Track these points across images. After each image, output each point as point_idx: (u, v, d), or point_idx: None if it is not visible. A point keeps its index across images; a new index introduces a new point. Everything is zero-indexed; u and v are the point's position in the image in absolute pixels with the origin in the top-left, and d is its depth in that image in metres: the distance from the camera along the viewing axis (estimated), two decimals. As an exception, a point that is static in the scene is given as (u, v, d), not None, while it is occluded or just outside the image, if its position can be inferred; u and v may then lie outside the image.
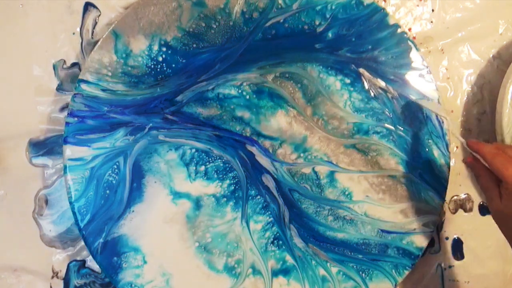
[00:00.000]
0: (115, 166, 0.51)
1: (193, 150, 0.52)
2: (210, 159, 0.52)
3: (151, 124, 0.51)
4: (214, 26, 0.52)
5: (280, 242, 0.52)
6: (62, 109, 0.54)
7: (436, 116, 0.52)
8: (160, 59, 0.51)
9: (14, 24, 0.54)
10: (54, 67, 0.54)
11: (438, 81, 0.56)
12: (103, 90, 0.50)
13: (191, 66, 0.52)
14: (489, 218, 0.56)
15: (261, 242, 0.52)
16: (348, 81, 0.52)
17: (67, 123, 0.50)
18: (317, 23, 0.52)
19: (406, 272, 0.52)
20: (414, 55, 0.52)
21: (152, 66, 0.51)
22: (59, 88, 0.54)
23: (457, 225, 0.56)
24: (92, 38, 0.54)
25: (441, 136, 0.52)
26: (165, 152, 0.52)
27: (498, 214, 0.40)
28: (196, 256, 0.51)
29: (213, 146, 0.52)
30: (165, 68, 0.51)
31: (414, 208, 0.52)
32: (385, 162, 0.53)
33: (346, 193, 0.53)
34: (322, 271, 0.51)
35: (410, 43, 0.52)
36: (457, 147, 0.57)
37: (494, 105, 0.53)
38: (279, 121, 0.53)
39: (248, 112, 0.53)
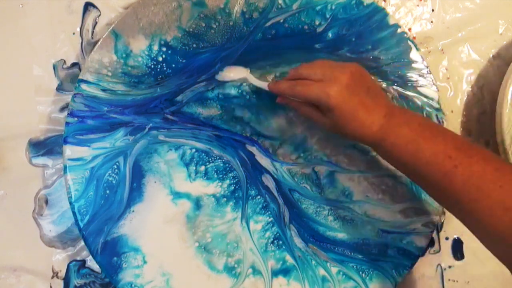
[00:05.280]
0: (115, 166, 0.51)
1: (193, 150, 0.52)
2: (210, 159, 0.52)
3: (151, 124, 0.51)
4: (214, 26, 0.52)
5: (280, 242, 0.52)
6: (62, 109, 0.54)
7: (436, 116, 0.52)
8: (160, 59, 0.51)
9: (14, 24, 0.54)
10: (54, 67, 0.54)
11: (438, 81, 0.56)
12: (103, 90, 0.50)
13: (191, 66, 0.52)
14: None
15: (261, 242, 0.52)
16: (348, 81, 0.52)
17: (67, 123, 0.50)
18: (317, 23, 0.52)
19: (406, 272, 0.52)
20: (414, 55, 0.52)
21: (152, 66, 0.51)
22: (59, 88, 0.54)
23: (457, 225, 0.56)
24: (92, 38, 0.54)
25: (441, 136, 0.52)
26: (165, 152, 0.52)
27: (331, 129, 0.44)
28: (196, 256, 0.51)
29: (213, 146, 0.52)
30: (165, 68, 0.51)
31: (414, 208, 0.52)
32: (385, 162, 0.52)
33: (346, 193, 0.53)
34: (322, 271, 0.51)
35: (410, 43, 0.52)
36: (457, 147, 0.57)
37: (494, 105, 0.53)
38: (279, 121, 0.53)
39: (248, 112, 0.53)
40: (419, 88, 0.52)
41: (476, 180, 0.37)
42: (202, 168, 0.52)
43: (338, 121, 0.43)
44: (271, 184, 0.52)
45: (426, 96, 0.52)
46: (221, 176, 0.52)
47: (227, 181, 0.52)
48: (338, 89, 0.41)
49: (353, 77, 0.42)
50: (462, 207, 0.39)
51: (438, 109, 0.52)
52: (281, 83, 0.46)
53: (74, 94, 0.50)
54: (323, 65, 0.44)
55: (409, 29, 0.56)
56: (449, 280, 0.56)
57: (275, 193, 0.52)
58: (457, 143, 0.40)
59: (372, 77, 0.44)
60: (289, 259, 0.52)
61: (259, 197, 0.52)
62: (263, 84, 0.49)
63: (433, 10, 0.57)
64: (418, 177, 0.42)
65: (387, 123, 0.42)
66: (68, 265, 0.54)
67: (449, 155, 0.39)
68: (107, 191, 0.50)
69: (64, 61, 0.54)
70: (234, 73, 0.51)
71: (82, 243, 0.53)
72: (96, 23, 0.54)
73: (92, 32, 0.54)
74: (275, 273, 0.51)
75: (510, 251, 0.37)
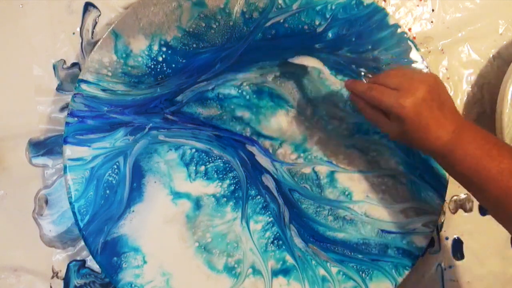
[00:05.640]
0: (115, 166, 0.50)
1: (193, 150, 0.52)
2: (210, 159, 0.52)
3: (151, 124, 0.51)
4: (214, 26, 0.52)
5: (280, 242, 0.52)
6: (62, 109, 0.54)
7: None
8: (160, 59, 0.51)
9: (14, 24, 0.54)
10: (54, 67, 0.54)
11: (438, 81, 0.56)
12: (103, 90, 0.50)
13: (191, 66, 0.52)
14: (489, 218, 0.56)
15: (261, 242, 0.52)
16: (348, 81, 0.52)
17: (67, 123, 0.50)
18: (317, 23, 0.52)
19: (406, 272, 0.51)
20: (414, 55, 0.52)
21: (152, 66, 0.51)
22: (59, 88, 0.54)
23: (457, 225, 0.56)
24: (92, 38, 0.54)
25: (441, 136, 0.52)
26: (165, 152, 0.52)
27: (396, 137, 0.44)
28: (196, 256, 0.51)
29: (213, 146, 0.52)
30: (165, 68, 0.51)
31: (414, 208, 0.52)
32: (385, 162, 0.52)
33: (346, 193, 0.53)
34: (322, 271, 0.51)
35: (410, 43, 0.52)
36: (457, 147, 0.57)
37: (494, 105, 0.53)
38: (279, 121, 0.53)
39: (248, 112, 0.53)
40: (419, 88, 0.52)
41: None
42: (202, 168, 0.52)
43: (406, 131, 0.43)
44: (271, 184, 0.52)
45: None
46: (221, 176, 0.52)
47: (227, 181, 0.52)
48: (412, 101, 0.41)
49: (430, 91, 0.42)
50: None
51: (438, 109, 0.52)
52: (359, 83, 0.46)
53: (74, 94, 0.50)
54: (401, 74, 0.44)
55: (409, 29, 0.56)
56: (449, 280, 0.56)
57: (275, 193, 0.52)
58: None
59: (446, 89, 0.44)
60: (289, 259, 0.52)
61: (259, 197, 0.52)
62: (334, 80, 0.49)
63: (433, 10, 0.57)
64: (479, 192, 0.43)
65: (455, 138, 0.42)
66: (68, 265, 0.54)
67: None
68: (107, 191, 0.50)
69: (64, 61, 0.54)
70: (308, 61, 0.51)
71: (82, 243, 0.53)
72: (96, 23, 0.54)
73: (92, 32, 0.54)
74: (275, 273, 0.51)
75: None
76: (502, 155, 0.41)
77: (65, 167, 0.49)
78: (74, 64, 0.54)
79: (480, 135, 0.42)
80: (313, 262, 0.52)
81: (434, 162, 0.52)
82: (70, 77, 0.54)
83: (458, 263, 0.56)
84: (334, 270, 0.51)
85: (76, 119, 0.50)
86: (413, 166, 0.52)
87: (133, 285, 0.50)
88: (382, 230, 0.52)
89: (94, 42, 0.54)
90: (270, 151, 0.53)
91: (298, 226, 0.52)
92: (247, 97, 0.53)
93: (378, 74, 0.46)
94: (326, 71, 0.50)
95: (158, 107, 0.52)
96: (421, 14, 0.57)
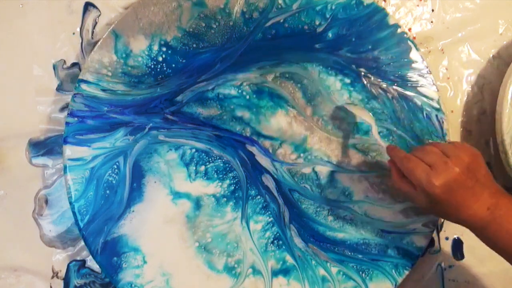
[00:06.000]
0: (115, 166, 0.51)
1: (193, 150, 0.52)
2: (210, 159, 0.52)
3: (151, 124, 0.51)
4: (214, 26, 0.52)
5: (280, 242, 0.52)
6: (62, 109, 0.54)
7: (436, 116, 0.52)
8: (160, 59, 0.51)
9: (14, 24, 0.54)
10: (54, 67, 0.54)
11: (438, 81, 0.56)
12: (103, 90, 0.50)
13: (191, 66, 0.52)
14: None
15: (261, 242, 0.52)
16: (348, 81, 0.52)
17: (67, 123, 0.50)
18: (317, 23, 0.52)
19: (406, 272, 0.52)
20: (414, 55, 0.52)
21: (152, 66, 0.51)
22: (59, 88, 0.54)
23: (457, 225, 0.56)
24: (92, 38, 0.54)
25: (441, 136, 0.52)
26: (165, 152, 0.52)
27: (426, 209, 0.44)
28: (196, 256, 0.51)
29: (213, 146, 0.52)
30: (165, 68, 0.51)
31: (414, 208, 0.52)
32: (385, 162, 0.52)
33: (346, 193, 0.53)
34: (322, 271, 0.51)
35: (410, 43, 0.52)
36: (457, 147, 0.57)
37: (494, 105, 0.53)
38: (279, 121, 0.53)
39: (248, 112, 0.53)
40: (419, 88, 0.52)
41: None
42: (202, 168, 0.52)
43: (436, 207, 0.43)
44: (271, 184, 0.52)
45: (426, 96, 0.52)
46: (221, 176, 0.52)
47: (227, 181, 0.52)
48: (444, 181, 0.41)
49: (465, 171, 0.42)
50: None
51: (438, 109, 0.52)
52: (398, 151, 0.46)
53: (74, 94, 0.50)
54: (436, 151, 0.43)
55: (409, 29, 0.56)
56: (449, 280, 0.56)
57: (275, 193, 0.52)
58: None
59: (484, 162, 0.44)
60: (289, 259, 0.52)
61: (259, 197, 0.52)
62: (381, 142, 0.49)
63: (433, 10, 0.57)
64: None
65: (490, 215, 0.42)
66: (68, 265, 0.54)
67: None
68: (107, 191, 0.50)
69: (64, 61, 0.54)
70: (361, 113, 0.51)
71: (82, 243, 0.53)
72: (96, 23, 0.54)
73: (92, 32, 0.54)
74: (275, 273, 0.51)
75: None
76: None
77: (65, 167, 0.49)
78: (74, 64, 0.54)
79: None
80: (313, 262, 0.52)
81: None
82: (70, 77, 0.54)
83: (458, 263, 0.56)
84: (334, 270, 0.51)
85: (76, 119, 0.50)
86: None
87: (133, 285, 0.50)
88: (382, 230, 0.52)
89: (94, 42, 0.54)
90: (270, 151, 0.53)
91: (298, 226, 0.52)
92: (247, 97, 0.53)
93: (418, 146, 0.46)
94: (375, 128, 0.50)
95: (158, 107, 0.52)
96: (421, 14, 0.57)
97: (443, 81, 0.57)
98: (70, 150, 0.50)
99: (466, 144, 0.45)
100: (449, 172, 0.41)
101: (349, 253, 0.52)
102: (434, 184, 0.41)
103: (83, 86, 0.50)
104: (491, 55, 0.57)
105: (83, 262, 0.54)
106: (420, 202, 0.44)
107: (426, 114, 0.52)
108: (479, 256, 0.56)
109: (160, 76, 0.51)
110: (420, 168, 0.42)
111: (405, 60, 0.52)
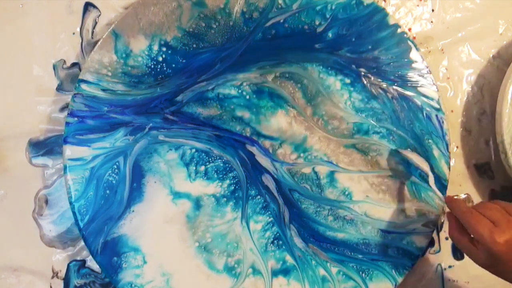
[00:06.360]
0: (115, 166, 0.51)
1: (193, 150, 0.52)
2: (210, 159, 0.52)
3: (151, 124, 0.51)
4: (214, 26, 0.52)
5: (280, 242, 0.52)
6: (62, 109, 0.54)
7: (436, 116, 0.52)
8: (160, 59, 0.51)
9: (14, 24, 0.54)
10: (54, 67, 0.54)
11: (438, 81, 0.56)
12: (103, 90, 0.50)
13: (191, 66, 0.52)
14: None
15: (261, 242, 0.52)
16: (348, 81, 0.53)
17: (67, 123, 0.50)
18: (317, 23, 0.52)
19: (406, 272, 0.52)
20: (414, 55, 0.52)
21: (152, 66, 0.51)
22: (59, 88, 0.54)
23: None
24: (92, 38, 0.54)
25: (441, 136, 0.52)
26: (165, 152, 0.52)
27: (483, 265, 0.43)
28: (196, 256, 0.51)
29: (213, 146, 0.52)
30: (165, 68, 0.51)
31: (414, 208, 0.52)
32: (385, 162, 0.53)
33: (346, 193, 0.53)
34: (322, 271, 0.51)
35: (410, 43, 0.52)
36: (457, 147, 0.57)
37: (494, 105, 0.53)
38: (279, 121, 0.53)
39: (248, 112, 0.53)
40: (419, 88, 0.52)
41: None
42: (202, 168, 0.52)
43: (497, 264, 0.42)
44: (271, 184, 0.52)
45: (426, 96, 0.52)
46: (221, 176, 0.52)
47: (227, 181, 0.52)
48: (507, 239, 0.41)
49: None
50: None
51: (438, 109, 0.52)
52: (460, 203, 0.46)
53: (74, 94, 0.50)
54: (499, 208, 0.43)
55: (409, 29, 0.56)
56: (449, 280, 0.56)
57: (275, 193, 0.52)
58: None
59: None
60: (289, 259, 0.52)
61: (259, 197, 0.52)
62: (438, 193, 0.49)
63: (433, 10, 0.57)
64: None
65: None
66: (68, 265, 0.54)
67: None
68: (107, 191, 0.50)
69: (64, 61, 0.54)
70: (417, 159, 0.51)
71: (82, 243, 0.53)
72: (96, 23, 0.54)
73: (92, 32, 0.54)
74: (275, 273, 0.51)
75: None
76: None
77: (65, 167, 0.49)
78: (74, 64, 0.54)
79: None
80: (313, 262, 0.52)
81: (435, 161, 0.52)
82: (70, 77, 0.54)
83: (458, 263, 0.56)
84: (334, 270, 0.52)
85: (76, 119, 0.50)
86: (413, 166, 0.52)
87: (133, 285, 0.50)
88: (382, 230, 0.52)
89: (94, 42, 0.54)
90: (270, 151, 0.53)
91: (298, 226, 0.52)
92: (247, 97, 0.53)
93: (478, 203, 0.45)
94: (431, 177, 0.50)
95: (158, 107, 0.52)
96: (421, 14, 0.57)
97: (443, 81, 0.57)
98: (70, 150, 0.50)
99: None
100: None
101: (349, 253, 0.52)
102: (497, 241, 0.40)
103: (83, 86, 0.50)
104: (491, 55, 0.57)
105: (83, 262, 0.54)
106: (480, 259, 0.43)
107: (426, 114, 0.52)
108: (479, 256, 0.56)
109: (160, 76, 0.51)
110: (483, 223, 0.42)
111: (405, 60, 0.52)
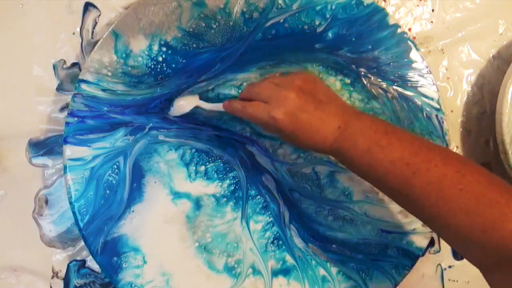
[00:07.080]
0: (115, 166, 0.51)
1: (193, 150, 0.52)
2: (210, 159, 0.52)
3: (151, 124, 0.51)
4: (214, 26, 0.52)
5: (280, 242, 0.52)
6: (62, 109, 0.54)
7: (436, 116, 0.52)
8: (160, 59, 0.51)
9: (14, 24, 0.54)
10: (54, 67, 0.54)
11: (438, 81, 0.56)
12: (103, 90, 0.50)
13: (191, 66, 0.52)
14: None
15: (261, 242, 0.52)
16: (348, 81, 0.52)
17: (67, 123, 0.50)
18: (317, 23, 0.52)
19: (406, 272, 0.51)
20: (414, 55, 0.52)
21: (152, 66, 0.51)
22: (59, 88, 0.54)
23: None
24: (92, 38, 0.54)
25: (441, 136, 0.52)
26: (165, 152, 0.52)
27: (285, 141, 0.45)
28: (196, 256, 0.51)
29: (213, 146, 0.52)
30: (165, 68, 0.51)
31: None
32: (385, 162, 0.52)
33: (346, 193, 0.53)
34: (322, 271, 0.51)
35: (410, 43, 0.52)
36: (457, 147, 0.57)
37: (494, 105, 0.53)
38: (279, 121, 0.53)
39: (248, 112, 0.53)
40: (419, 88, 0.52)
41: (435, 185, 0.36)
42: (202, 168, 0.52)
43: (289, 138, 0.42)
44: (271, 184, 0.52)
45: (426, 96, 0.52)
46: (221, 176, 0.52)
47: (227, 181, 0.52)
48: (284, 110, 0.40)
49: (301, 93, 0.41)
50: (425, 212, 0.38)
51: (438, 109, 0.52)
52: (235, 103, 0.46)
53: (74, 94, 0.50)
54: (268, 85, 0.43)
55: (409, 29, 0.56)
56: (449, 280, 0.56)
57: (275, 193, 0.52)
58: (415, 148, 0.38)
59: (325, 83, 0.43)
60: (289, 259, 0.52)
61: (259, 197, 0.52)
62: (218, 106, 0.49)
63: (433, 10, 0.57)
64: (379, 185, 0.42)
65: (341, 134, 0.40)
66: (68, 265, 0.54)
67: (406, 162, 0.37)
68: (107, 191, 0.50)
69: (64, 61, 0.54)
70: (185, 103, 0.51)
71: (82, 243, 0.53)
72: (96, 23, 0.54)
73: (92, 32, 0.54)
74: (275, 273, 0.51)
75: (476, 253, 0.36)
76: (392, 143, 0.38)
77: (65, 167, 0.49)
78: (74, 64, 0.54)
79: (369, 124, 0.40)
80: (313, 262, 0.52)
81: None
82: (70, 77, 0.54)
83: (458, 263, 0.56)
84: (334, 270, 0.52)
85: (76, 119, 0.50)
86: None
87: (133, 285, 0.50)
88: (382, 230, 0.52)
89: (94, 42, 0.54)
90: (270, 151, 0.53)
91: (298, 226, 0.52)
92: (247, 97, 0.52)
93: (252, 85, 0.45)
94: (204, 104, 0.51)
95: (158, 107, 0.52)
96: (421, 14, 0.57)
97: (443, 81, 0.57)
98: (70, 150, 0.50)
99: (300, 71, 0.43)
100: (285, 101, 0.40)
101: (349, 253, 0.52)
102: (277, 117, 0.40)
103: (83, 86, 0.50)
104: (491, 55, 0.57)
105: (83, 262, 0.54)
106: (280, 137, 0.44)
107: (426, 114, 0.52)
108: (479, 256, 0.56)
109: (160, 76, 0.51)
110: (259, 108, 0.42)
111: (405, 60, 0.52)
